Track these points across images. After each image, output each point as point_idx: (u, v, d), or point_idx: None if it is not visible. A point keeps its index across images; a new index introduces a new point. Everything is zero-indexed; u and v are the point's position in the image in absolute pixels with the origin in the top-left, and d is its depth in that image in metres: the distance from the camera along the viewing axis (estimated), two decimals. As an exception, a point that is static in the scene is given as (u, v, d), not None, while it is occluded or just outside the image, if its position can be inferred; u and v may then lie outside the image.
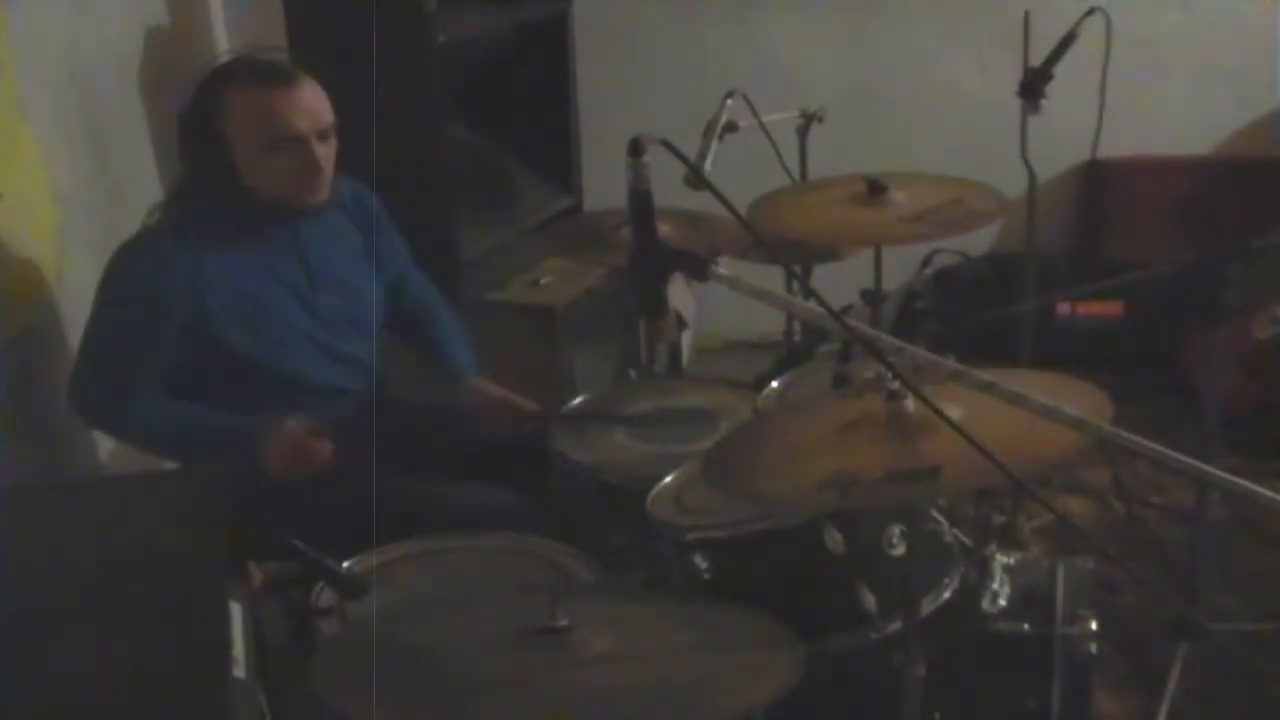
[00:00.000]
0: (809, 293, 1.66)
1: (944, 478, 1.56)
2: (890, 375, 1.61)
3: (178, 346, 2.26)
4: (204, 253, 2.26)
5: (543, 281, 3.38)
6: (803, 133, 3.04)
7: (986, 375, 1.41)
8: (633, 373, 3.13)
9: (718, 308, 3.93)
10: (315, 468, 2.23)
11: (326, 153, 2.29)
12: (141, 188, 2.89)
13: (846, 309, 2.64)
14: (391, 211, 2.59)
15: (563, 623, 1.53)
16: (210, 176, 2.29)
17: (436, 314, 2.69)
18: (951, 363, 1.44)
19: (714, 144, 2.54)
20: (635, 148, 1.53)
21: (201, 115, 2.27)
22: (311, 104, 2.27)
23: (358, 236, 2.52)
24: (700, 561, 1.90)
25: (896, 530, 1.92)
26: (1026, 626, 2.00)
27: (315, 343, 2.39)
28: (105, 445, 2.58)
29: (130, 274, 2.27)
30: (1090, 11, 2.74)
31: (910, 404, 1.65)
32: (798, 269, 2.83)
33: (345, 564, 1.92)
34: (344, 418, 2.40)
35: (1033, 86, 2.79)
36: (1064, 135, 3.02)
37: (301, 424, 2.24)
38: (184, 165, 2.35)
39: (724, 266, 1.56)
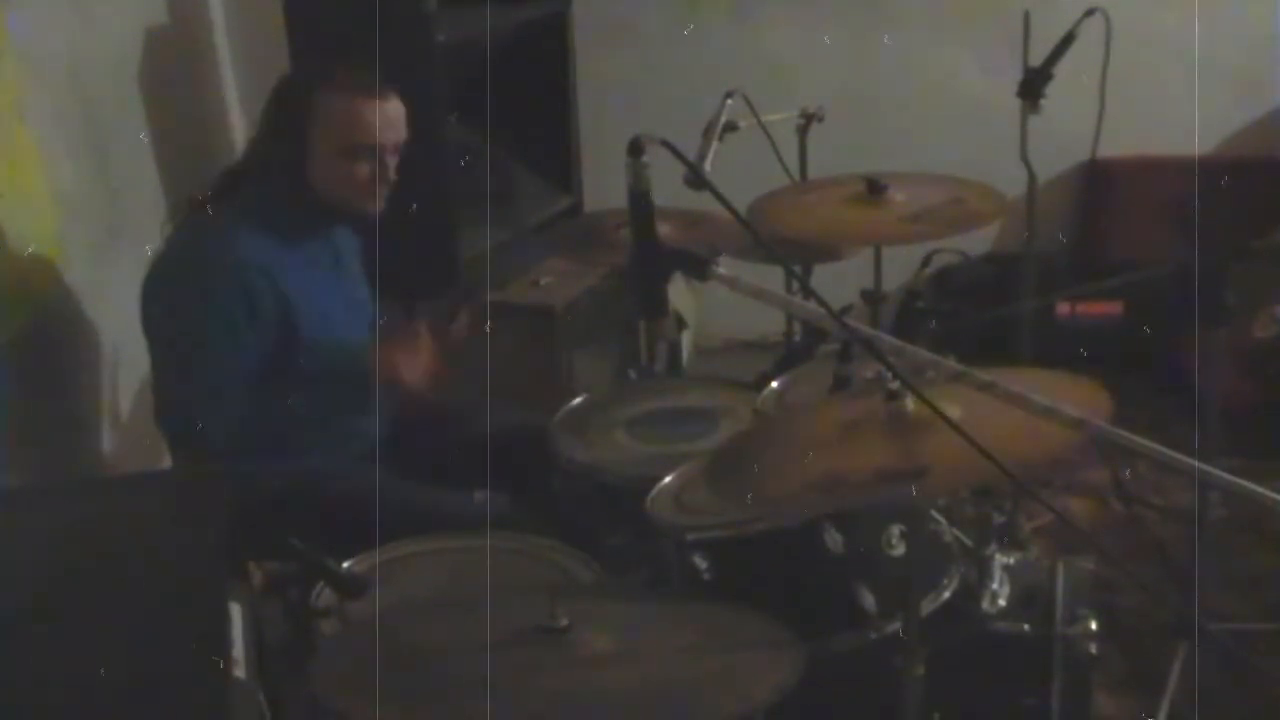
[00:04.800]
0: (809, 292, 1.66)
1: (932, 478, 1.56)
2: (890, 375, 1.61)
3: (260, 340, 2.27)
4: (268, 242, 2.29)
5: (543, 282, 3.38)
6: (802, 132, 3.04)
7: (987, 375, 1.41)
8: (633, 373, 3.13)
9: (718, 308, 3.94)
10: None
11: (394, 166, 2.34)
12: (141, 188, 2.90)
13: (846, 309, 2.64)
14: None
15: (563, 623, 1.54)
16: (278, 170, 2.31)
17: None
18: (952, 363, 1.44)
19: (714, 144, 2.53)
20: (635, 148, 1.54)
21: (289, 111, 2.30)
22: (396, 119, 2.32)
23: (360, 245, 2.57)
24: (700, 561, 1.90)
25: (896, 530, 1.92)
26: (1026, 627, 2.00)
27: (358, 331, 2.45)
28: (105, 445, 2.58)
29: (211, 268, 2.25)
30: (1090, 12, 2.74)
31: (910, 404, 1.65)
32: (797, 269, 2.83)
33: (345, 564, 1.92)
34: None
35: (1033, 86, 2.79)
36: (1064, 135, 3.01)
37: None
38: (253, 154, 2.38)
39: (724, 266, 1.56)
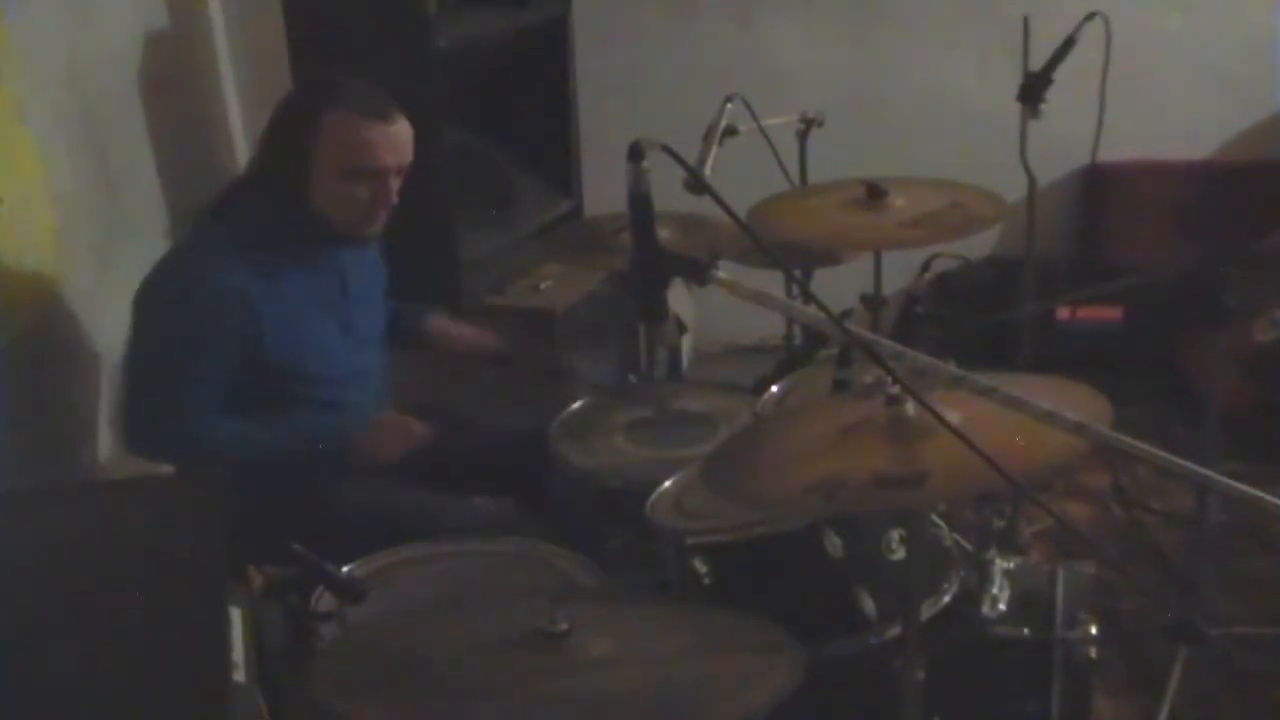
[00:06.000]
0: (809, 297, 1.66)
1: (930, 484, 1.56)
2: (890, 380, 1.61)
3: (229, 362, 2.25)
4: (256, 266, 2.26)
5: (543, 286, 3.38)
6: (802, 137, 3.04)
7: (987, 380, 1.41)
8: (632, 377, 3.13)
9: (717, 312, 3.93)
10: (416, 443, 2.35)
11: (396, 188, 2.32)
12: (141, 191, 2.90)
13: (846, 313, 2.64)
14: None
15: (562, 627, 1.53)
16: (281, 190, 2.28)
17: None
18: (952, 367, 1.44)
19: (714, 148, 2.53)
20: (635, 152, 1.53)
21: (292, 129, 2.27)
22: (401, 142, 2.29)
23: (380, 260, 2.56)
24: (700, 566, 1.90)
25: (896, 535, 1.92)
26: (1026, 631, 2.00)
27: (348, 361, 2.41)
28: (105, 449, 2.58)
29: (187, 287, 2.25)
30: (1090, 16, 2.74)
31: (910, 409, 1.65)
32: (797, 273, 2.83)
33: (345, 568, 1.91)
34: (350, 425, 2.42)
35: (1032, 91, 2.79)
36: (1064, 139, 3.02)
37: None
38: (255, 173, 2.36)
39: (723, 271, 1.56)
